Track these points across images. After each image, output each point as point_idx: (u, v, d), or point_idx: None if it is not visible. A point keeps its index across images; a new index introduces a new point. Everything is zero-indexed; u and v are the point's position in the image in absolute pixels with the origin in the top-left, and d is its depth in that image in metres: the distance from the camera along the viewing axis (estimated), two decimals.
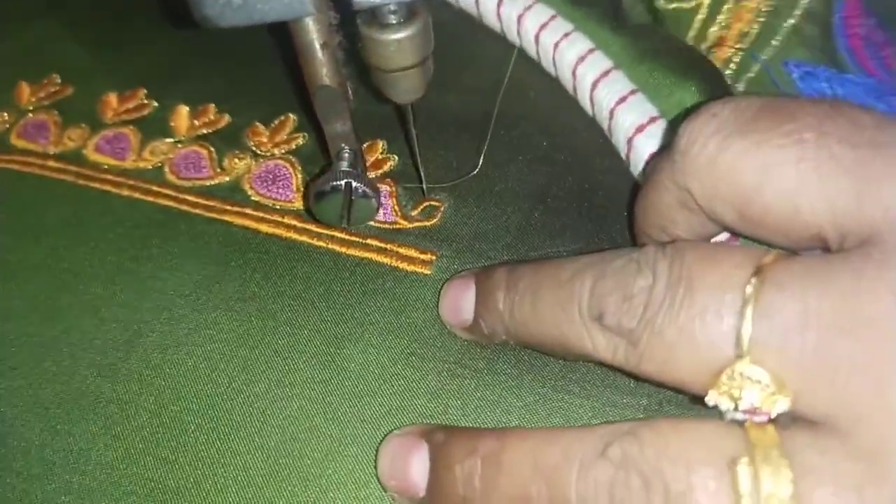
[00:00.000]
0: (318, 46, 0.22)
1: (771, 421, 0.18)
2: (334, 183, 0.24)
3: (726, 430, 0.17)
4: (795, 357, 0.17)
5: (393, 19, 0.21)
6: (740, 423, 0.18)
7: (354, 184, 0.25)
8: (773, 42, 0.29)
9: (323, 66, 0.23)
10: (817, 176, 0.18)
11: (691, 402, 0.22)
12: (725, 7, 0.30)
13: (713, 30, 0.31)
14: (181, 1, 0.20)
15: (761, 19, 0.30)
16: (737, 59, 0.30)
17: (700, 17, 0.31)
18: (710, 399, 0.18)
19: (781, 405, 0.17)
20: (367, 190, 0.25)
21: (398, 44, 0.22)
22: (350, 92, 0.25)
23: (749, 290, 0.17)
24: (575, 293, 0.21)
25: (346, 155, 0.26)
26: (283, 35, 0.23)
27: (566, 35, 0.31)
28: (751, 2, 0.30)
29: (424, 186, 0.28)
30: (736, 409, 0.18)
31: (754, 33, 0.30)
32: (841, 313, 0.17)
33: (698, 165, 0.20)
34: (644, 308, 0.19)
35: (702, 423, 0.18)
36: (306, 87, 0.24)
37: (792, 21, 0.29)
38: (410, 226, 0.28)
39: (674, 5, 0.31)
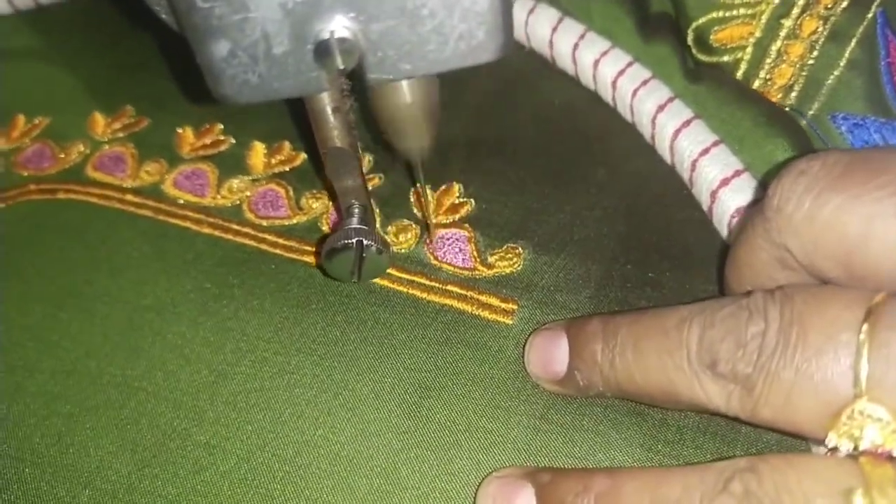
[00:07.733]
0: (329, 112, 0.23)
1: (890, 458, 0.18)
2: (345, 241, 0.25)
3: (841, 464, 0.18)
4: None
5: None
6: (854, 458, 0.18)
7: (366, 241, 0.25)
8: (819, 95, 0.29)
9: (335, 129, 0.24)
10: None
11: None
12: (767, 61, 0.30)
13: (755, 84, 0.30)
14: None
15: (805, 73, 0.29)
16: None
17: (740, 70, 0.31)
18: (831, 440, 0.18)
19: None
20: (378, 246, 0.25)
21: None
22: (360, 151, 0.25)
23: (864, 328, 0.18)
24: (683, 341, 0.21)
25: (356, 211, 0.26)
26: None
27: (644, 82, 0.31)
28: (792, 55, 0.30)
29: (431, 224, 0.29)
30: (856, 448, 0.18)
31: (798, 87, 0.29)
32: None
33: (796, 223, 0.20)
34: (758, 353, 0.19)
35: (816, 458, 0.19)
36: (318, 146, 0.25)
37: (836, 73, 0.29)
38: (490, 273, 0.28)
39: (714, 58, 0.31)
